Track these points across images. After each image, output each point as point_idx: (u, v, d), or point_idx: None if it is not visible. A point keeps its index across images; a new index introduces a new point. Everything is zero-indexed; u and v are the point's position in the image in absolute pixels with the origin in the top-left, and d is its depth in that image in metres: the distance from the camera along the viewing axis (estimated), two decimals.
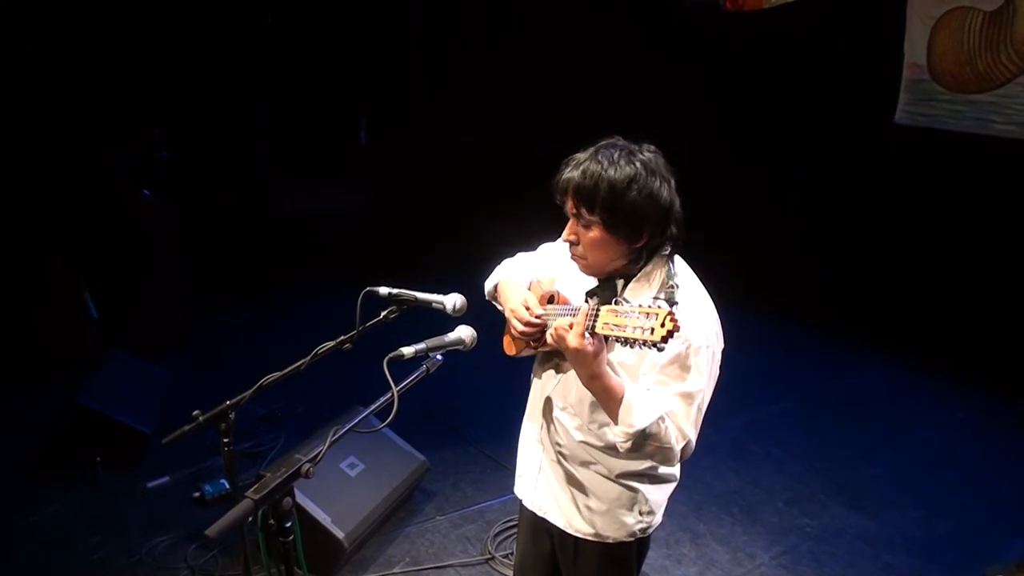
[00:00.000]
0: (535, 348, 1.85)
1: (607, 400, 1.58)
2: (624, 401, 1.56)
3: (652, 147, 1.67)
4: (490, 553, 3.16)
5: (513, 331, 1.82)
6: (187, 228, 5.36)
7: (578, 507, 1.85)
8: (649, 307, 1.39)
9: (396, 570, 3.09)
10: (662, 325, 1.34)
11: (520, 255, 2.04)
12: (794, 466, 3.86)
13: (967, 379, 4.68)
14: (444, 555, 3.18)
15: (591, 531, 1.85)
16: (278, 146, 6.62)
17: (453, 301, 1.81)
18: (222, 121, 6.02)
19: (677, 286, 1.62)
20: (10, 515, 3.37)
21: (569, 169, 1.64)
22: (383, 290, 1.81)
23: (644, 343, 1.37)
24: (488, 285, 2.00)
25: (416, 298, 1.81)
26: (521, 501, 2.03)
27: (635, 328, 1.38)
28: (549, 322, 1.74)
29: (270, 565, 1.57)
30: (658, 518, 1.89)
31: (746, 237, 5.91)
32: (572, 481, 1.86)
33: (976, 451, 4.02)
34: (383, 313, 1.80)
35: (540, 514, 1.95)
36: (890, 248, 5.41)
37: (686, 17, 5.79)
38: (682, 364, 1.60)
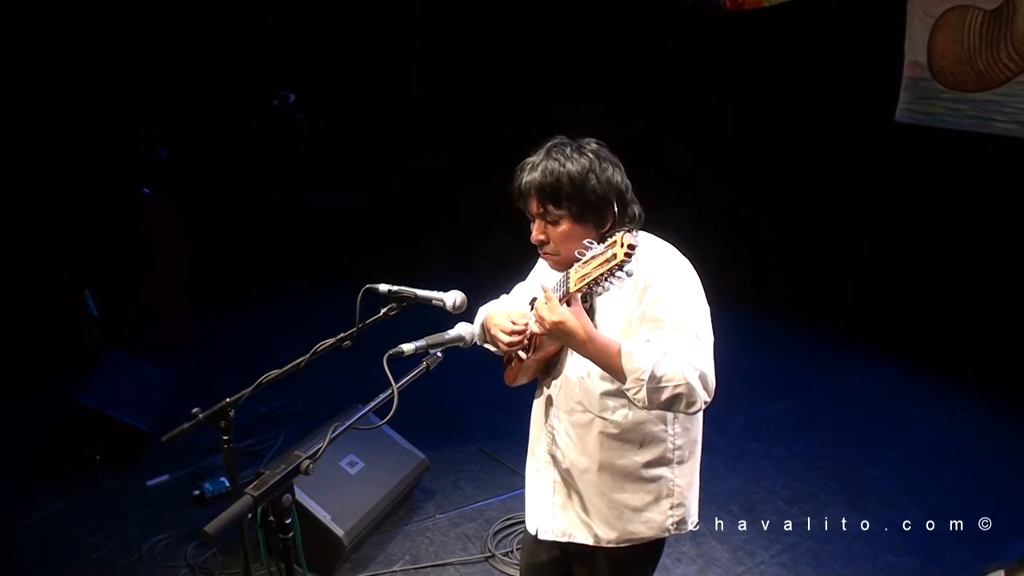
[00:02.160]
0: (530, 357, 1.84)
1: (607, 357, 1.59)
2: (623, 352, 1.58)
3: (596, 140, 1.76)
4: (490, 551, 3.15)
5: (502, 345, 1.82)
6: (188, 228, 5.36)
7: (604, 516, 1.81)
8: (607, 242, 1.46)
9: (396, 568, 3.09)
10: (621, 244, 1.42)
11: (502, 297, 2.05)
12: (794, 465, 3.86)
13: (967, 379, 4.68)
14: (444, 553, 3.17)
15: (620, 539, 1.81)
16: (278, 146, 6.62)
17: (453, 298, 1.81)
18: (222, 121, 6.02)
19: (635, 231, 1.70)
20: (10, 514, 3.37)
21: (526, 172, 1.71)
22: (383, 287, 1.81)
23: (612, 271, 1.43)
24: (476, 330, 1.90)
25: (416, 295, 1.80)
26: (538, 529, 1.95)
27: (600, 263, 1.46)
28: (532, 323, 1.76)
29: (270, 563, 1.57)
30: (691, 511, 1.86)
31: (746, 236, 5.91)
32: (593, 492, 1.82)
33: (976, 451, 4.02)
34: (383, 310, 1.80)
35: (564, 540, 1.88)
36: (891, 247, 5.41)
37: (686, 16, 5.79)
38: (665, 303, 1.65)
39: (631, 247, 1.40)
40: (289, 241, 6.41)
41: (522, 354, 1.84)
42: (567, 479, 1.86)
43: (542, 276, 1.87)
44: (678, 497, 1.82)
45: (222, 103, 5.99)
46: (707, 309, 1.72)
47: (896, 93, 5.16)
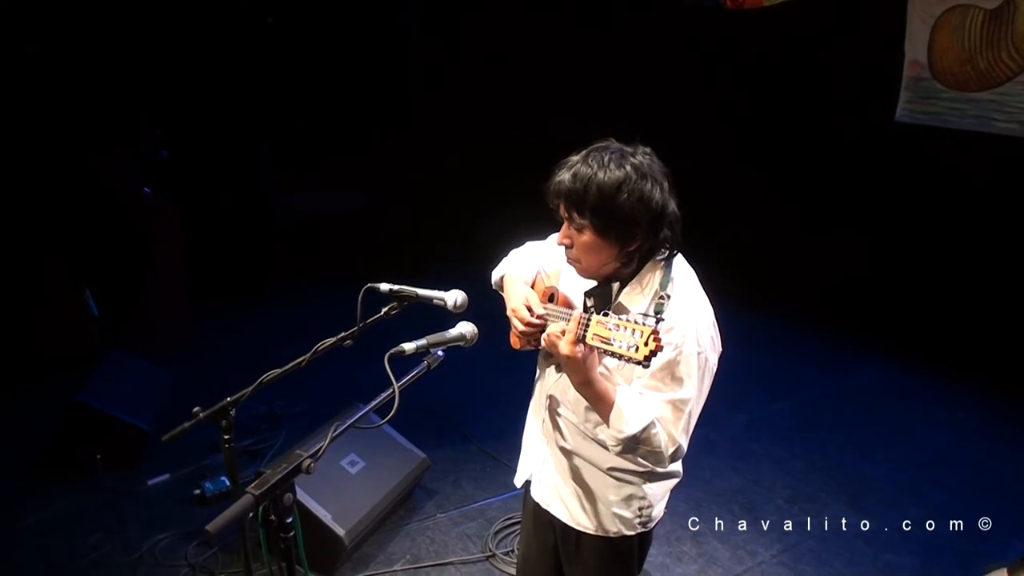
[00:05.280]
0: (536, 346, 1.87)
1: (599, 404, 1.60)
2: (615, 407, 1.58)
3: (647, 149, 1.66)
4: (491, 551, 3.16)
5: (514, 329, 1.84)
6: (188, 228, 5.35)
7: (580, 501, 1.87)
8: (635, 322, 1.41)
9: (397, 567, 3.09)
10: (645, 344, 1.37)
11: (529, 244, 2.05)
12: (795, 465, 3.86)
13: (968, 378, 4.68)
14: (445, 552, 3.18)
15: (592, 525, 1.86)
16: (279, 146, 6.62)
17: (454, 297, 1.81)
18: (223, 121, 6.02)
19: (669, 296, 1.62)
20: (11, 514, 3.37)
21: (560, 173, 1.65)
22: (384, 286, 1.81)
23: (629, 359, 1.39)
24: (495, 275, 2.02)
25: (417, 294, 1.80)
26: (527, 492, 2.04)
27: (621, 343, 1.41)
28: (548, 322, 1.75)
29: (271, 562, 1.57)
30: (658, 511, 1.90)
31: (747, 236, 5.91)
32: (574, 476, 1.87)
33: (976, 450, 4.02)
34: (384, 309, 1.80)
35: (544, 507, 1.96)
36: (891, 247, 5.41)
37: (686, 16, 5.79)
38: (673, 371, 1.61)
39: (652, 353, 1.37)
40: (289, 241, 6.40)
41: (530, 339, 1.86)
42: (554, 458, 1.92)
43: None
44: (649, 500, 1.86)
45: (222, 102, 5.98)
46: (714, 369, 1.68)
47: (896, 93, 5.17)
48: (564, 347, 1.52)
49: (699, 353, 1.62)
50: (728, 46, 5.85)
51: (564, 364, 1.58)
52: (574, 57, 6.29)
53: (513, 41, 6.51)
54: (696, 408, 1.66)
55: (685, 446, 1.66)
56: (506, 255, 2.05)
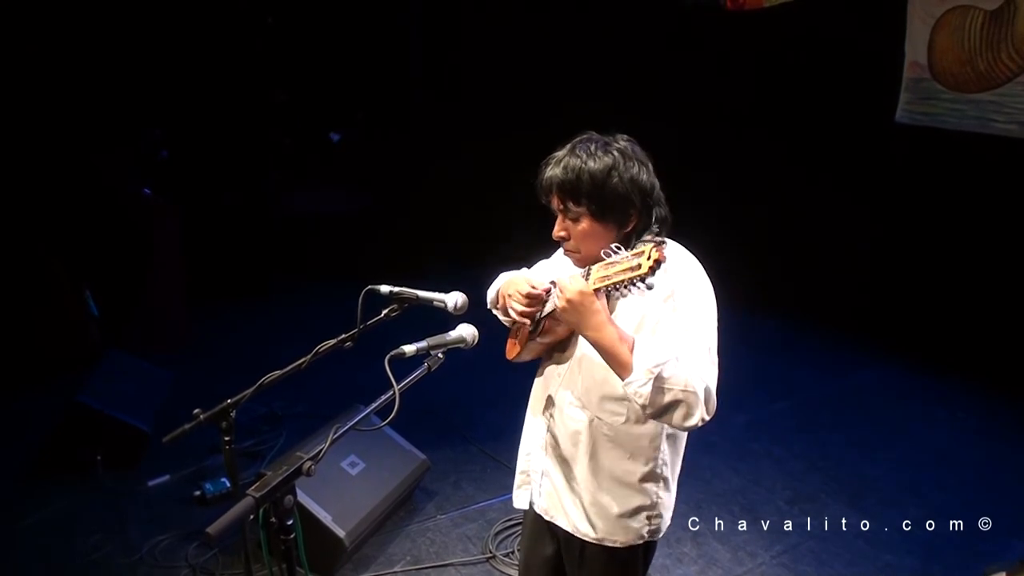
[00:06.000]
0: (538, 339, 1.85)
1: (619, 347, 1.56)
2: (636, 347, 1.58)
3: (626, 136, 1.74)
4: (491, 552, 3.16)
5: (512, 312, 1.81)
6: (188, 228, 5.36)
7: (584, 511, 1.84)
8: (634, 249, 1.48)
9: (397, 569, 3.09)
10: (648, 258, 1.42)
11: (523, 269, 2.05)
12: (795, 465, 3.86)
13: (968, 379, 4.68)
14: (445, 554, 3.18)
15: (597, 536, 1.84)
16: (279, 146, 6.62)
17: (454, 299, 1.81)
18: (223, 121, 6.02)
19: (665, 243, 1.70)
20: (11, 514, 3.37)
21: (550, 168, 1.70)
22: (384, 288, 1.81)
23: (633, 281, 1.44)
24: (490, 294, 2.01)
25: (417, 296, 1.80)
26: (531, 502, 2.01)
27: (624, 270, 1.46)
28: (552, 300, 1.76)
29: (271, 564, 1.57)
30: (666, 520, 1.88)
31: (747, 237, 5.91)
32: (578, 485, 1.84)
33: (977, 451, 4.02)
34: (384, 311, 1.80)
35: (547, 518, 1.93)
36: (891, 247, 5.41)
37: (686, 16, 5.79)
38: (681, 309, 1.65)
39: (657, 262, 1.40)
40: (289, 241, 6.41)
41: (528, 325, 1.84)
42: (556, 467, 1.89)
43: (564, 261, 1.85)
44: (658, 509, 1.85)
45: (222, 103, 5.98)
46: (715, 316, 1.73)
47: (896, 93, 5.16)
48: (573, 284, 1.56)
49: (700, 290, 1.69)
50: (728, 46, 5.84)
51: (577, 315, 1.57)
52: (574, 57, 6.29)
53: (513, 41, 6.50)
54: (713, 346, 1.67)
55: (714, 388, 1.61)
56: (500, 266, 2.06)
